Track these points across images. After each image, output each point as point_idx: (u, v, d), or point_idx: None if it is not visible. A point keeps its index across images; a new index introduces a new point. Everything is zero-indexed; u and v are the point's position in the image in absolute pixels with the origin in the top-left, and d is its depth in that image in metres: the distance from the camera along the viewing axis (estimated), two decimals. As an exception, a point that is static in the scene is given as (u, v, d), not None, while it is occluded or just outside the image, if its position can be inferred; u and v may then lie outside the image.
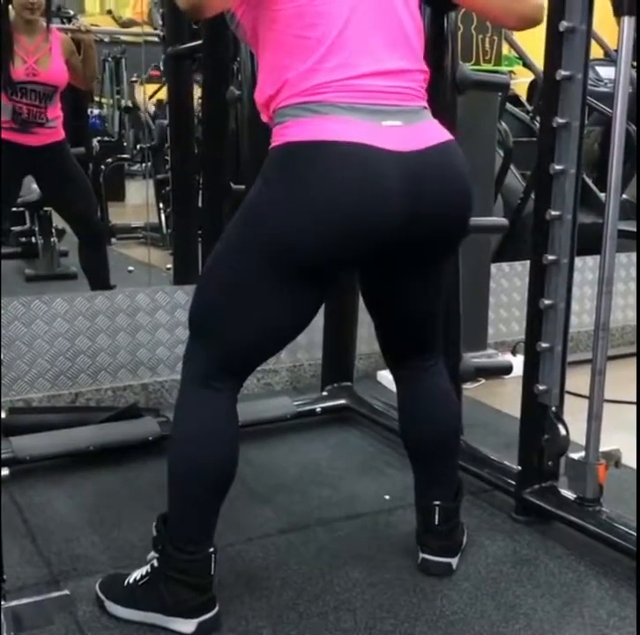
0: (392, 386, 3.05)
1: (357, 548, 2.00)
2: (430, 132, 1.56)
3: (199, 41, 3.45)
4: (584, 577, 1.89)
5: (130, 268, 3.57)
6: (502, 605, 1.78)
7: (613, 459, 2.05)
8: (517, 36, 3.77)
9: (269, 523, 2.10)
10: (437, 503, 1.86)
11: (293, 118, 1.50)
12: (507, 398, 2.89)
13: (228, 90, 3.38)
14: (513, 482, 2.17)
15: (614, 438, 2.06)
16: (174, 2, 1.45)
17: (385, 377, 3.13)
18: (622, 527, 1.94)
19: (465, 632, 1.69)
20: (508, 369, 2.55)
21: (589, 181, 4.75)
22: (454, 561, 1.89)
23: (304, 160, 1.48)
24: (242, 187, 3.37)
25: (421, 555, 1.90)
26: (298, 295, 1.57)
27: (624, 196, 3.67)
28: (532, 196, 4.03)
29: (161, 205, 6.38)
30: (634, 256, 3.74)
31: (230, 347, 1.62)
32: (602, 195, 4.79)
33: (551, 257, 2.00)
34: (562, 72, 1.92)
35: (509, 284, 3.53)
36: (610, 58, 5.96)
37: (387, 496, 2.26)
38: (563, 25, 1.90)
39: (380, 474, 2.41)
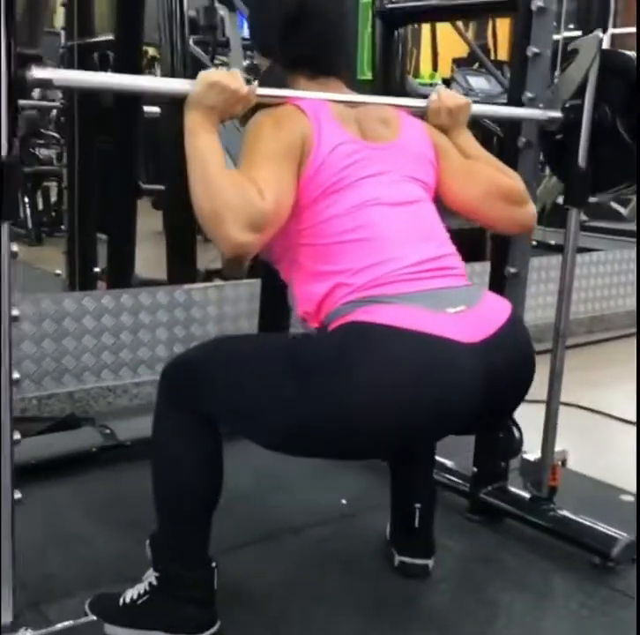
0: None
1: (331, 554, 2.05)
2: (494, 313, 1.56)
3: (108, 36, 3.39)
4: (547, 572, 2.01)
5: (58, 271, 3.42)
6: (484, 603, 1.88)
7: (561, 459, 2.19)
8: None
9: (238, 533, 2.09)
10: (418, 505, 1.93)
11: (355, 309, 1.48)
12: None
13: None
14: (465, 483, 2.28)
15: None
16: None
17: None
18: (577, 523, 2.08)
19: (458, 633, 1.76)
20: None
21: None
22: (431, 562, 1.96)
23: (372, 340, 1.43)
24: (161, 187, 3.33)
25: (399, 557, 1.96)
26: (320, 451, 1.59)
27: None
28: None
29: (26, 199, 6.17)
30: (544, 260, 3.97)
31: (223, 419, 1.62)
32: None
33: (512, 270, 2.11)
34: (528, 94, 2.03)
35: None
36: (484, 68, 6.22)
37: (344, 501, 2.31)
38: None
39: (332, 478, 2.43)
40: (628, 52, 2.02)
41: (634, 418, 3.06)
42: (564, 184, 2.06)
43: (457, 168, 1.72)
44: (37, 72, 1.33)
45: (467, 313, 1.50)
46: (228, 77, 1.45)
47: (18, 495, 1.47)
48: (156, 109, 3.52)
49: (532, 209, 1.77)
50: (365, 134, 1.61)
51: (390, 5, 2.36)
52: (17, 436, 1.43)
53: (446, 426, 1.53)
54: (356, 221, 1.53)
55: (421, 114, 1.76)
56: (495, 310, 1.57)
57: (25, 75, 1.32)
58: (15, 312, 1.37)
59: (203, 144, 1.43)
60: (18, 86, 1.31)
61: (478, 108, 1.87)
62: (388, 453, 1.66)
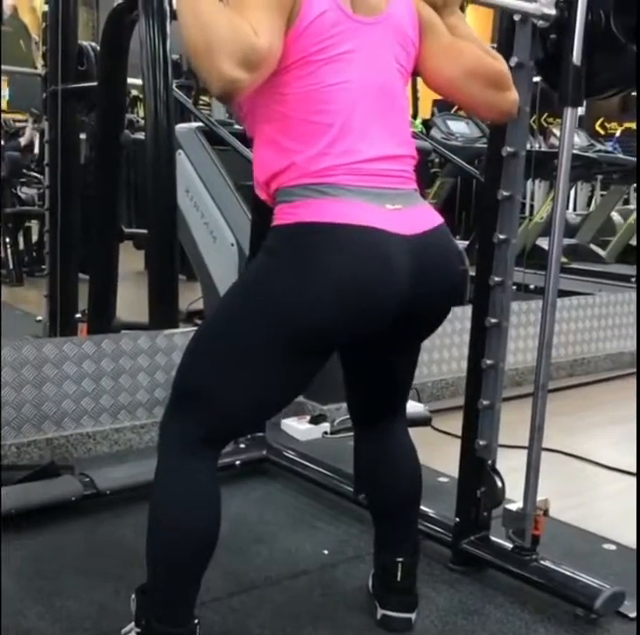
0: (297, 435, 3.13)
1: (312, 607, 2.02)
2: (426, 216, 1.65)
3: (92, 83, 3.41)
4: (530, 624, 1.99)
5: (39, 317, 3.41)
6: (467, 657, 1.86)
7: (543, 508, 2.18)
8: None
9: (217, 585, 2.06)
10: (400, 559, 1.91)
11: (303, 198, 1.53)
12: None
13: (123, 133, 3.35)
14: (447, 533, 2.26)
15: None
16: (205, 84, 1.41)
17: (289, 425, 3.17)
18: (560, 574, 2.07)
19: (441, 688, 1.75)
20: (427, 419, 2.65)
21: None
22: (413, 616, 1.94)
23: (318, 240, 1.52)
24: (143, 231, 3.33)
25: (382, 611, 1.94)
26: (298, 368, 1.60)
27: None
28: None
29: (7, 239, 6.16)
30: (524, 305, 3.99)
31: (221, 417, 1.62)
32: (458, 243, 5.11)
33: (493, 320, 2.12)
34: (508, 149, 2.06)
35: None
36: (461, 114, 6.32)
37: (325, 551, 2.29)
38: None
39: (312, 528, 2.43)
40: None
41: (615, 464, 3.07)
42: (558, 85, 1.99)
43: (442, 46, 1.69)
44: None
45: (402, 210, 1.58)
46: None
47: (-4, 552, 1.44)
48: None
49: (514, 96, 1.72)
50: (354, 1, 1.56)
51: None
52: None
53: (376, 318, 1.58)
54: (326, 104, 1.53)
55: None
56: (428, 215, 1.66)
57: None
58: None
59: None
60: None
61: None
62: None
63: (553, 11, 1.97)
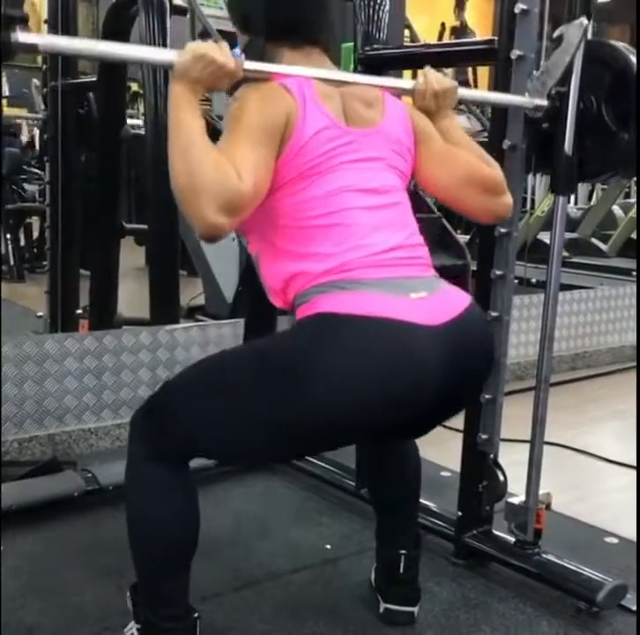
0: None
1: (314, 601, 2.02)
2: (454, 300, 1.59)
3: (92, 78, 3.40)
4: (533, 617, 2.00)
5: (40, 313, 3.41)
6: (469, 651, 1.86)
7: (545, 502, 2.18)
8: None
9: (219, 580, 2.07)
10: (403, 552, 1.91)
11: (320, 294, 1.50)
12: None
13: (123, 129, 3.34)
14: (449, 527, 2.27)
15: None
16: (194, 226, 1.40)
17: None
18: (562, 568, 2.07)
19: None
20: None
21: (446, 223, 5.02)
22: (416, 609, 1.94)
23: (341, 333, 1.46)
24: (144, 227, 3.33)
25: (384, 604, 1.94)
26: (288, 452, 1.64)
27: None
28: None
29: (8, 236, 6.16)
30: (526, 298, 3.99)
31: (199, 449, 1.61)
32: (459, 237, 5.11)
33: (495, 314, 2.12)
34: (508, 142, 2.05)
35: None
36: (464, 106, 6.26)
37: (328, 546, 2.29)
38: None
39: (314, 523, 2.43)
40: (611, 41, 2.02)
41: (617, 458, 3.07)
42: (551, 172, 2.04)
43: (436, 154, 1.70)
44: (22, 36, 1.23)
45: (428, 299, 1.53)
46: (216, 50, 1.42)
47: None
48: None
49: (508, 200, 1.75)
50: (348, 116, 1.59)
51: (371, 52, 2.40)
52: (-2, 488, 1.41)
53: (409, 410, 1.52)
54: (330, 207, 1.53)
55: (407, 95, 1.73)
56: (455, 298, 1.60)
57: (9, 38, 1.22)
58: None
59: (185, 117, 1.39)
60: (1, 51, 1.21)
61: (464, 93, 1.85)
62: (368, 438, 1.72)
63: (545, 103, 1.98)
